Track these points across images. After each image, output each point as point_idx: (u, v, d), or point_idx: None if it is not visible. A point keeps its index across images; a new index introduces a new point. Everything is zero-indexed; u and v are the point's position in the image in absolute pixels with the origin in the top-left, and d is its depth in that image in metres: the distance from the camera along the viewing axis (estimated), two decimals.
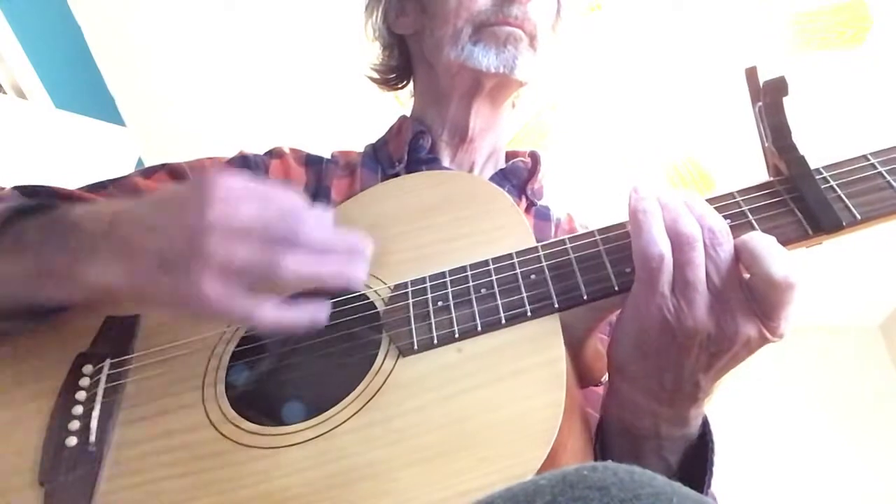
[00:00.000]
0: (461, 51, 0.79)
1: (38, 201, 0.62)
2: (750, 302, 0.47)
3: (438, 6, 0.82)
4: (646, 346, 0.50)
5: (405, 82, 0.94)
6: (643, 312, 0.49)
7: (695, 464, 0.56)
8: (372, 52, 0.95)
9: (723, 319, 0.47)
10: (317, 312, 0.52)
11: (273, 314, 0.50)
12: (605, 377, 0.63)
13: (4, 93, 2.16)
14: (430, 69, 0.86)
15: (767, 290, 0.46)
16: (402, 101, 1.00)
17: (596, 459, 0.57)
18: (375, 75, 0.95)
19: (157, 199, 0.52)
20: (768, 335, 0.47)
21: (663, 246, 0.47)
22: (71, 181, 0.79)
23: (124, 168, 2.23)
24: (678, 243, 0.47)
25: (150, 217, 0.51)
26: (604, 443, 0.57)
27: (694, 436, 0.56)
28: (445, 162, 0.85)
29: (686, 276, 0.47)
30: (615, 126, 2.16)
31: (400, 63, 0.93)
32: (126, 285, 0.51)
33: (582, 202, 2.48)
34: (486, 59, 0.77)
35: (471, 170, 0.86)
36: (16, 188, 0.70)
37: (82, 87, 2.49)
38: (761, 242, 0.47)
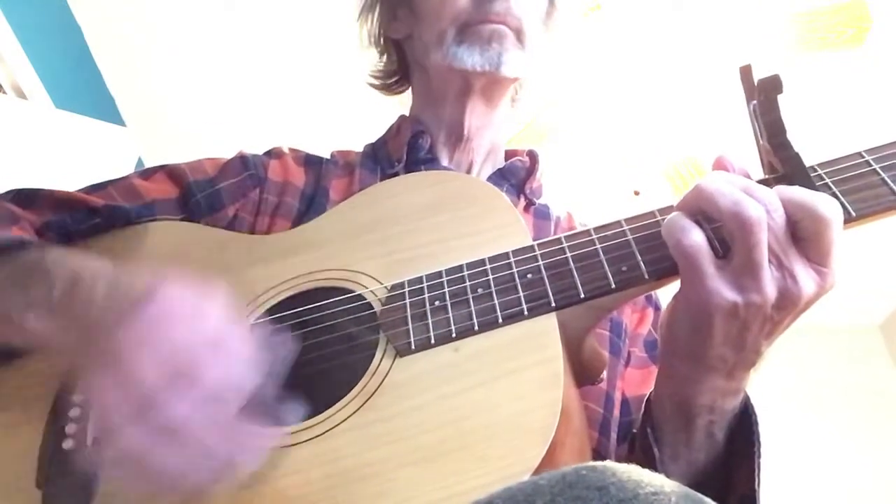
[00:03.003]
0: (447, 53, 0.79)
1: (7, 239, 0.61)
2: (804, 256, 0.48)
3: (424, 10, 0.83)
4: (707, 328, 0.49)
5: (406, 86, 0.95)
6: (704, 302, 0.48)
7: (738, 438, 0.57)
8: (371, 54, 0.95)
9: (785, 285, 0.47)
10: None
11: (108, 459, 0.46)
12: (604, 374, 0.63)
13: (4, 93, 2.16)
14: (423, 72, 0.87)
15: (819, 233, 0.47)
16: (402, 101, 1.00)
17: (647, 441, 0.58)
18: (375, 82, 0.96)
19: (116, 281, 0.51)
20: (825, 284, 0.48)
21: (752, 205, 0.46)
22: (71, 181, 0.79)
23: (124, 168, 2.23)
24: (744, 230, 0.46)
25: (101, 296, 0.50)
26: (655, 423, 0.58)
27: (738, 409, 0.57)
28: (444, 162, 0.85)
29: (753, 258, 0.47)
30: (615, 126, 2.16)
31: (398, 67, 0.93)
32: (54, 344, 0.52)
33: (582, 202, 2.48)
34: (470, 58, 0.77)
35: (469, 169, 0.85)
36: (13, 191, 0.70)
37: (82, 87, 2.49)
38: (798, 190, 0.48)
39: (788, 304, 0.48)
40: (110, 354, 0.46)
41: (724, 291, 0.48)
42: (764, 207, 0.47)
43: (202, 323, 0.48)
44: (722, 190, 0.47)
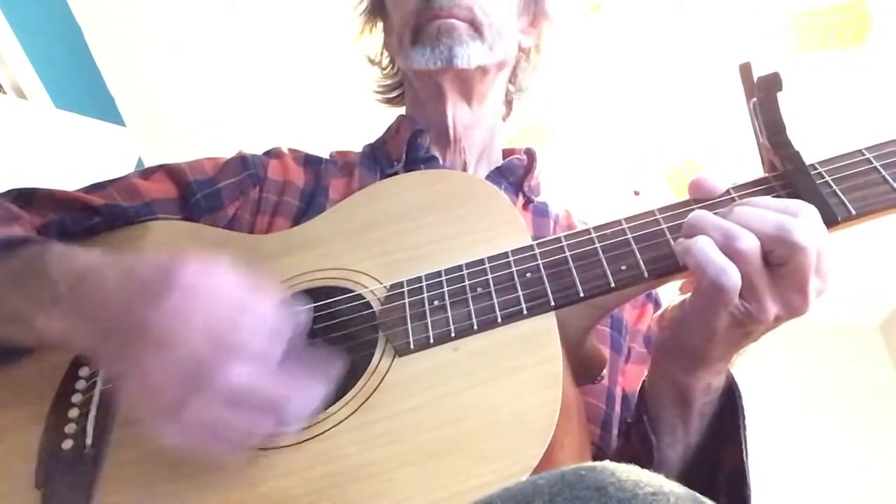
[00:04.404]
0: (406, 57, 0.80)
1: (10, 237, 0.61)
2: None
3: (391, 18, 0.85)
4: (716, 336, 0.51)
5: None
6: (711, 319, 0.50)
7: (725, 414, 0.60)
8: (370, 51, 0.96)
9: (789, 297, 0.49)
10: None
11: (175, 434, 0.47)
12: (605, 372, 0.63)
13: (4, 93, 2.16)
14: (407, 79, 0.89)
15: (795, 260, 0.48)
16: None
17: (643, 429, 0.59)
18: (379, 96, 0.97)
19: (127, 269, 0.51)
20: (822, 286, 0.50)
21: (732, 271, 0.48)
22: (71, 181, 0.79)
23: (124, 168, 2.23)
24: (741, 261, 0.48)
25: (114, 285, 0.50)
26: (652, 411, 0.60)
27: (723, 386, 0.59)
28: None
29: (754, 283, 0.49)
30: (615, 126, 2.16)
31: (398, 79, 0.94)
32: (67, 341, 0.51)
33: (582, 202, 2.48)
34: (422, 58, 0.77)
35: (464, 169, 0.85)
36: (10, 191, 0.70)
37: (82, 87, 2.49)
38: (775, 218, 0.49)
39: (792, 314, 0.51)
40: (146, 337, 0.46)
41: (738, 309, 0.50)
42: (746, 256, 0.48)
43: (224, 288, 0.48)
44: (708, 256, 0.48)
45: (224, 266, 0.50)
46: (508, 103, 0.93)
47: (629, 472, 0.35)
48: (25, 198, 0.70)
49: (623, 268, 0.54)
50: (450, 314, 0.55)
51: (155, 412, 0.46)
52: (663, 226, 0.55)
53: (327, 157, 0.86)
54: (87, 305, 0.50)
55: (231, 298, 0.48)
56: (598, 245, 0.56)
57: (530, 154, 0.88)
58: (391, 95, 0.95)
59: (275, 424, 0.47)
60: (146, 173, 0.78)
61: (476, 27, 0.78)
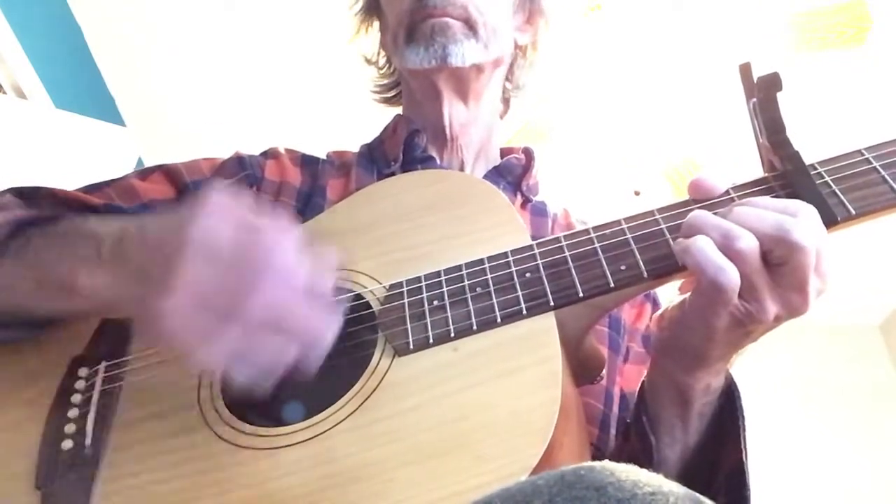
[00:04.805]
0: (401, 56, 0.80)
1: (43, 213, 0.61)
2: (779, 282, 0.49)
3: (386, 18, 0.86)
4: (715, 335, 0.51)
5: None
6: (711, 319, 0.50)
7: (724, 414, 0.60)
8: (367, 51, 0.96)
9: (789, 297, 0.49)
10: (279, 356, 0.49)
11: (221, 356, 0.46)
12: (603, 372, 0.63)
13: (4, 93, 2.16)
14: (403, 78, 0.89)
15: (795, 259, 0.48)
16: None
17: (642, 429, 0.59)
18: (377, 96, 0.97)
19: (163, 216, 0.51)
20: (822, 286, 0.50)
21: (731, 271, 0.48)
22: (71, 181, 0.78)
23: (124, 168, 2.23)
24: (740, 261, 0.48)
25: (149, 231, 0.50)
26: (651, 411, 0.60)
27: (723, 386, 0.59)
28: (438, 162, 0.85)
29: (753, 283, 0.49)
30: (615, 126, 2.16)
31: (394, 79, 0.94)
32: (108, 291, 0.51)
33: (582, 202, 2.48)
34: (416, 57, 0.77)
35: (461, 168, 0.85)
36: (11, 189, 0.70)
37: (82, 87, 2.49)
38: (774, 218, 0.49)
39: (793, 313, 0.51)
40: (181, 258, 0.45)
41: (738, 308, 0.50)
42: (755, 236, 0.48)
43: (254, 219, 0.48)
44: (707, 255, 0.48)
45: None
46: (506, 101, 0.93)
47: (628, 472, 0.35)
48: (25, 196, 0.70)
49: (622, 268, 0.54)
50: (449, 314, 0.55)
51: (189, 336, 0.45)
52: (662, 226, 0.55)
53: (324, 157, 0.86)
54: (129, 255, 0.50)
55: (261, 225, 0.48)
56: (597, 245, 0.56)
57: (528, 153, 0.88)
58: (388, 95, 0.95)
59: (301, 350, 0.47)
60: (144, 174, 0.78)
61: (470, 25, 0.78)
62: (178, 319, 0.45)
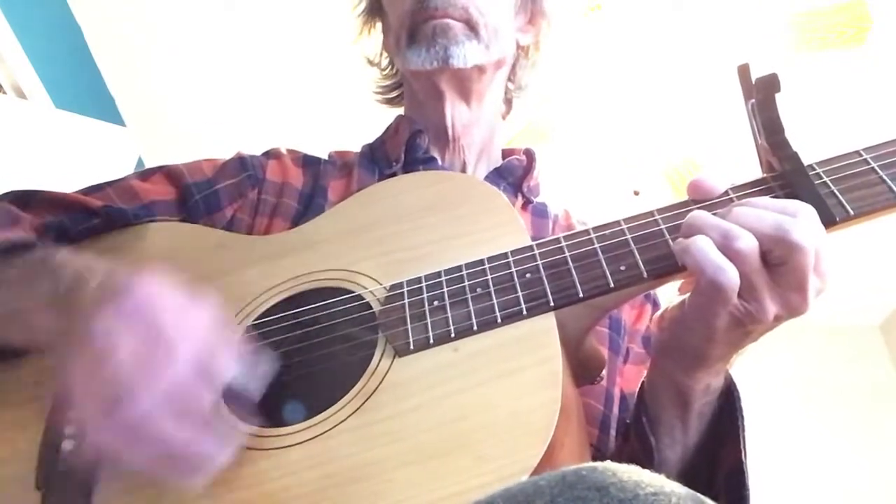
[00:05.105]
0: (403, 57, 0.80)
1: (16, 240, 0.61)
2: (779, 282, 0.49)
3: (388, 19, 0.86)
4: (715, 335, 0.51)
5: None
6: (710, 318, 0.50)
7: (724, 414, 0.60)
8: (370, 52, 0.96)
9: (788, 297, 0.49)
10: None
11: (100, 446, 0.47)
12: (604, 372, 0.63)
13: (4, 93, 2.16)
14: (405, 78, 0.89)
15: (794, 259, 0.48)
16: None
17: (642, 430, 0.59)
18: (379, 97, 0.97)
19: (107, 277, 0.51)
20: (821, 286, 0.50)
21: (731, 270, 0.48)
22: (71, 181, 0.79)
23: (124, 168, 2.23)
24: (739, 261, 0.48)
25: (91, 292, 0.50)
26: (651, 412, 0.60)
27: (722, 386, 0.59)
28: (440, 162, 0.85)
29: (753, 282, 0.49)
30: (615, 126, 2.16)
31: (397, 80, 0.94)
32: (47, 341, 0.51)
33: (582, 202, 2.47)
34: (418, 58, 0.77)
35: (463, 169, 0.85)
36: (12, 193, 0.70)
37: (82, 87, 2.49)
38: (772, 217, 0.49)
39: (792, 313, 0.51)
40: (83, 341, 0.46)
41: (737, 308, 0.50)
42: (755, 236, 0.48)
43: (179, 313, 0.48)
44: (706, 255, 0.48)
45: (202, 297, 0.50)
46: (508, 102, 0.93)
47: (630, 473, 0.35)
48: (24, 199, 0.70)
49: (622, 268, 0.54)
50: (449, 314, 0.55)
51: (78, 416, 0.47)
52: (662, 226, 0.55)
53: (326, 157, 0.86)
54: (70, 308, 0.50)
55: (184, 322, 0.47)
56: (597, 245, 0.56)
57: (529, 154, 0.88)
58: (391, 96, 0.95)
59: (180, 467, 0.47)
60: (145, 175, 0.78)
61: (472, 26, 0.78)
62: (70, 400, 0.47)
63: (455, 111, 0.83)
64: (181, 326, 0.47)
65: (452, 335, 0.53)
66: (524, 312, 0.53)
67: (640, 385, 0.63)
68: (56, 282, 0.53)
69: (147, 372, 0.45)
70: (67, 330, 0.49)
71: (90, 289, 0.50)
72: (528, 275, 0.56)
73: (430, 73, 0.79)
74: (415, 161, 0.82)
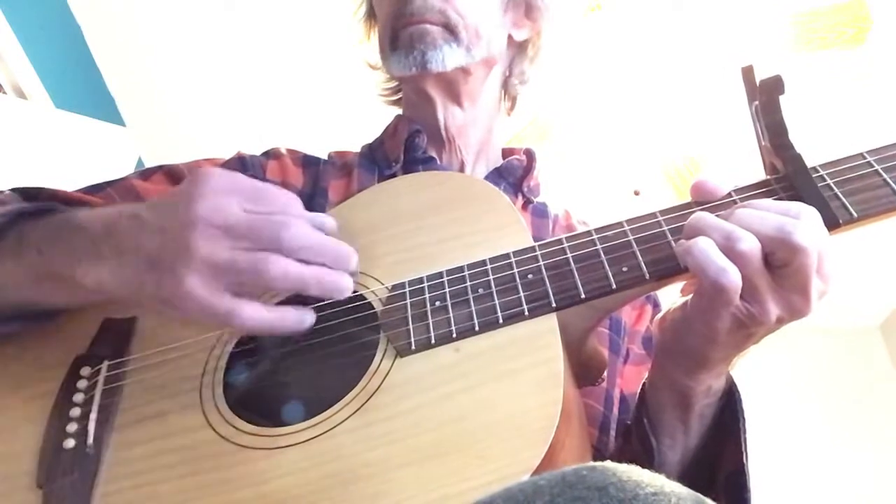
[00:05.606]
0: (387, 64, 0.81)
1: (41, 204, 0.62)
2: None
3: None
4: (717, 337, 0.51)
5: None
6: (712, 320, 0.50)
7: (725, 415, 0.60)
8: (371, 55, 0.95)
9: (791, 299, 0.49)
10: (301, 317, 0.53)
11: (255, 316, 0.50)
12: (605, 374, 0.63)
13: (4, 93, 2.16)
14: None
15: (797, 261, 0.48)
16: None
17: (643, 431, 0.59)
18: (383, 99, 0.97)
19: (157, 200, 0.53)
20: (824, 288, 0.50)
21: (733, 272, 0.47)
22: (71, 181, 0.79)
23: (124, 168, 2.23)
24: (741, 262, 0.48)
25: (147, 216, 0.51)
26: (652, 413, 0.60)
27: (723, 388, 0.60)
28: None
29: (755, 284, 0.49)
30: (615, 125, 2.16)
31: (397, 83, 0.94)
32: (117, 284, 0.52)
33: (582, 202, 2.47)
34: (398, 64, 0.78)
35: (461, 169, 0.85)
36: (15, 190, 0.70)
37: (82, 87, 2.49)
38: (774, 219, 0.49)
39: (794, 315, 0.51)
40: (188, 246, 0.48)
41: (739, 310, 0.50)
42: (757, 238, 0.48)
43: (257, 193, 0.52)
44: (708, 256, 0.48)
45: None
46: (512, 98, 0.93)
47: (630, 473, 0.35)
48: (30, 196, 0.70)
49: (624, 269, 0.54)
50: (451, 315, 0.55)
51: (217, 304, 0.49)
52: (664, 227, 0.55)
53: (325, 157, 0.86)
54: (128, 245, 0.51)
55: (264, 196, 0.52)
56: (599, 246, 0.56)
57: (530, 154, 0.88)
58: (393, 98, 0.96)
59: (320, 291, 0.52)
60: (145, 175, 0.78)
61: (450, 29, 0.77)
62: (203, 291, 0.48)
63: (448, 113, 0.83)
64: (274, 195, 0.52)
65: (454, 335, 0.53)
66: (526, 313, 0.53)
67: (640, 386, 0.63)
68: (90, 236, 0.54)
69: (281, 219, 0.50)
70: (151, 250, 0.50)
71: (146, 218, 0.51)
72: (530, 275, 0.56)
73: (414, 79, 0.80)
74: (414, 161, 0.82)
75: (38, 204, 0.63)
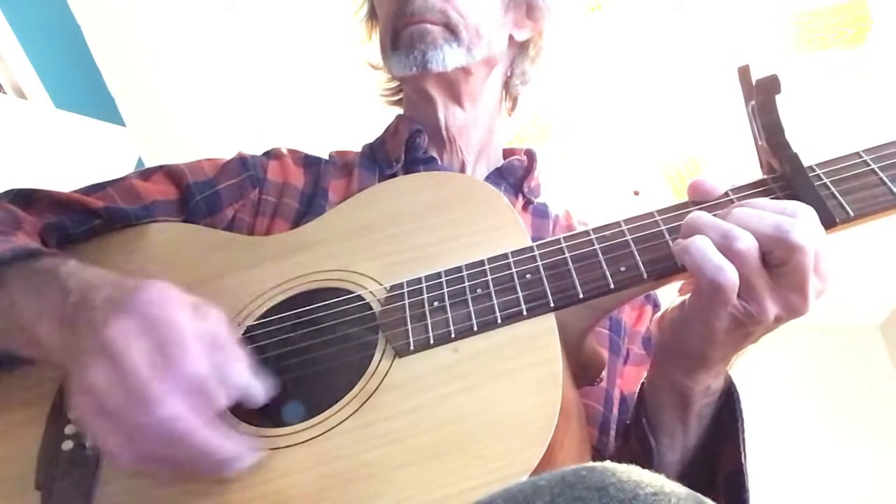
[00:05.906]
0: (388, 63, 0.81)
1: (25, 249, 0.60)
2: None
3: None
4: (716, 336, 0.52)
5: None
6: (711, 319, 0.50)
7: (723, 415, 0.60)
8: (372, 55, 0.96)
9: (788, 298, 0.50)
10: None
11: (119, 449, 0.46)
12: (604, 373, 0.63)
13: (4, 93, 2.16)
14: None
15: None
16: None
17: (642, 431, 0.59)
18: (385, 100, 0.97)
19: (119, 285, 0.51)
20: (822, 286, 0.50)
21: (730, 270, 0.48)
22: (71, 181, 0.79)
23: (124, 168, 2.23)
24: (739, 261, 0.48)
25: (95, 305, 0.49)
26: (651, 413, 0.60)
27: (722, 388, 0.60)
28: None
29: (752, 283, 0.49)
30: (615, 126, 2.16)
31: (398, 83, 0.94)
32: (57, 357, 0.51)
33: (582, 202, 2.47)
34: (399, 65, 0.78)
35: (462, 169, 0.85)
36: (12, 191, 0.69)
37: (82, 87, 2.49)
38: (772, 218, 0.49)
39: (792, 314, 0.51)
40: (95, 353, 0.46)
41: (737, 309, 0.50)
42: (754, 237, 0.48)
43: (190, 318, 0.48)
44: (706, 255, 0.48)
45: (210, 307, 0.50)
46: (513, 98, 0.93)
47: (630, 473, 0.35)
48: (24, 198, 0.70)
49: (622, 269, 0.54)
50: (450, 315, 0.55)
51: (93, 427, 0.46)
52: (662, 227, 0.55)
53: (326, 157, 0.86)
54: (80, 323, 0.49)
55: (196, 322, 0.47)
56: (597, 246, 0.56)
57: (530, 155, 0.88)
58: (394, 98, 0.96)
59: (191, 463, 0.47)
60: (146, 174, 0.78)
61: (451, 29, 0.77)
62: (84, 411, 0.46)
63: (448, 113, 0.83)
64: (194, 330, 0.47)
65: (453, 335, 0.53)
66: (524, 313, 0.53)
67: (639, 386, 0.63)
68: (64, 295, 0.52)
69: (166, 374, 0.45)
70: (77, 347, 0.48)
71: (99, 302, 0.49)
72: (528, 275, 0.56)
73: (415, 79, 0.80)
74: (415, 161, 0.82)
75: (17, 248, 0.59)
